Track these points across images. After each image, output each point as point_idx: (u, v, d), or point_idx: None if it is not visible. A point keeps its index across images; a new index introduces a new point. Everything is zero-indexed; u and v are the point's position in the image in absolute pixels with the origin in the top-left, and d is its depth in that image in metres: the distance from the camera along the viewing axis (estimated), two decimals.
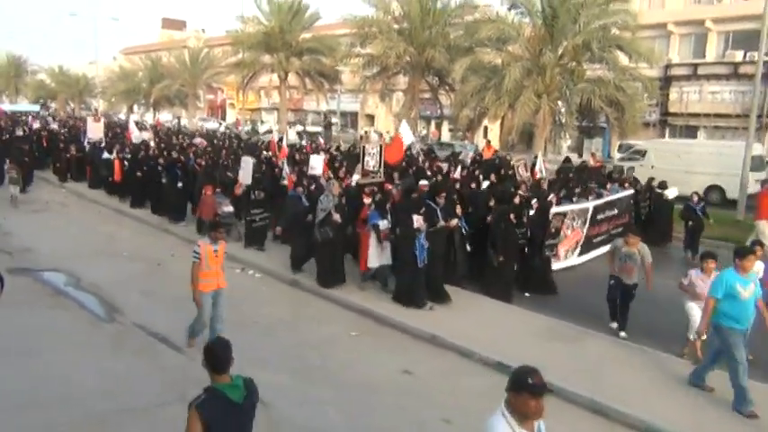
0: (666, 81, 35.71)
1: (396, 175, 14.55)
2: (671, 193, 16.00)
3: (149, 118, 52.40)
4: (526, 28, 22.24)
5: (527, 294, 11.29)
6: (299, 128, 49.56)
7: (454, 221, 10.64)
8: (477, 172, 16.79)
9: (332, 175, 14.36)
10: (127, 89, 51.21)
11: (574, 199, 13.63)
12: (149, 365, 7.79)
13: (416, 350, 8.76)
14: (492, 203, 11.70)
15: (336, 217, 10.62)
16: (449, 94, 29.05)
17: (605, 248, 14.05)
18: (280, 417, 6.82)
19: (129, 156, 19.40)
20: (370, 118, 53.32)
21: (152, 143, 23.52)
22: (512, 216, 10.86)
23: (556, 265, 12.38)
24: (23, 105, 60.31)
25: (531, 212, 11.82)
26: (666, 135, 35.81)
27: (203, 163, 17.17)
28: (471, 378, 7.90)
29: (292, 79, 37.52)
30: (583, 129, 26.12)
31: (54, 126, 33.70)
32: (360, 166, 13.85)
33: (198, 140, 26.51)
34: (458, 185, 13.65)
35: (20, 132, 25.89)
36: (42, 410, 6.62)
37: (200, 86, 48.49)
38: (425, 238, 9.93)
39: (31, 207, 18.08)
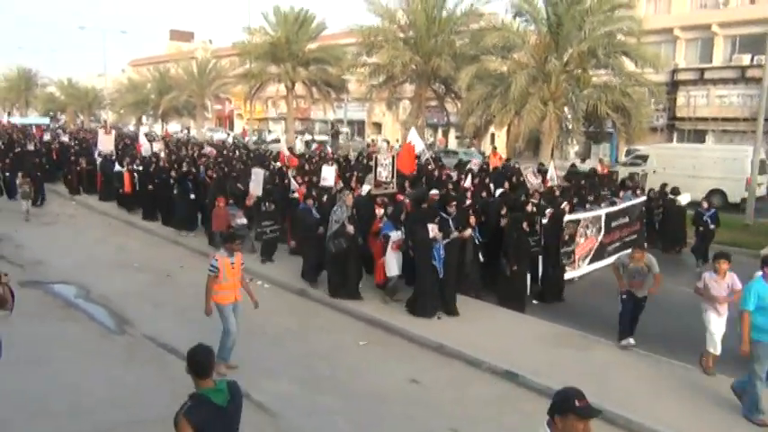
0: (674, 86, 35.62)
1: (407, 184, 14.54)
2: (683, 199, 15.93)
3: (158, 129, 52.79)
4: (531, 35, 22.29)
5: (535, 302, 11.27)
6: (308, 137, 49.81)
7: (468, 232, 10.57)
8: (487, 180, 16.79)
9: (343, 186, 14.40)
10: (135, 101, 51.67)
11: (587, 206, 13.55)
12: (159, 376, 7.85)
13: (424, 359, 8.78)
14: (504, 212, 11.61)
15: (350, 228, 10.59)
16: (455, 101, 29.11)
17: (614, 257, 14.05)
18: (288, 426, 6.88)
19: (141, 168, 19.48)
20: (378, 126, 53.48)
21: (162, 154, 23.71)
22: (524, 225, 10.80)
23: (571, 274, 12.28)
24: (33, 118, 60.86)
25: (545, 221, 11.74)
26: (674, 140, 35.69)
27: (214, 175, 17.22)
28: (479, 387, 7.92)
29: (299, 89, 37.75)
30: (590, 134, 26.08)
31: (65, 138, 34.01)
32: (371, 176, 13.86)
33: (208, 150, 26.67)
34: (469, 195, 13.62)
35: (31, 146, 26.08)
36: (52, 420, 6.71)
37: (207, 97, 48.82)
38: (443, 248, 9.89)
39: (41, 220, 18.27)
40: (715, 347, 8.10)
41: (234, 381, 4.26)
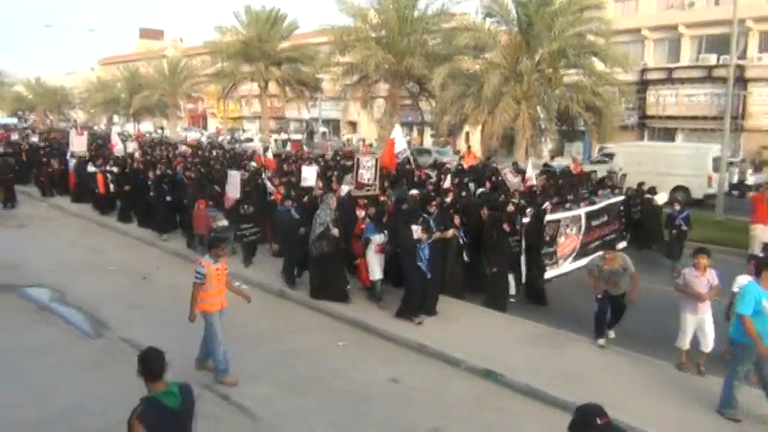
0: (643, 85, 36.28)
1: (386, 185, 14.52)
2: (660, 198, 16.08)
3: (130, 128, 52.10)
4: (503, 36, 22.52)
5: (512, 300, 11.26)
6: (284, 136, 49.61)
7: (450, 232, 10.49)
8: (466, 180, 16.89)
9: (323, 187, 14.28)
10: (106, 100, 50.93)
11: (567, 206, 13.51)
12: (136, 381, 7.73)
13: (404, 359, 8.84)
14: (485, 212, 11.58)
15: (334, 231, 10.53)
16: (429, 100, 29.26)
17: (587, 259, 14.22)
18: (268, 428, 6.91)
19: (115, 169, 19.17)
20: (353, 125, 53.45)
21: (137, 154, 23.40)
22: (505, 225, 10.81)
23: (551, 273, 12.22)
24: (2, 119, 59.51)
25: (525, 220, 11.71)
26: (645, 138, 36.36)
27: (192, 176, 16.92)
28: (459, 386, 8.01)
29: (273, 88, 37.57)
30: (563, 133, 26.47)
31: (34, 139, 33.35)
32: (350, 176, 13.81)
33: (183, 149, 26.41)
34: (450, 195, 13.62)
35: (0, 149, 25.50)
36: (29, 429, 6.63)
37: (180, 96, 48.33)
38: (428, 248, 9.85)
39: (13, 222, 17.93)
40: (684, 343, 8.24)
41: (186, 383, 4.38)
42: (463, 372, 8.40)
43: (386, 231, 10.50)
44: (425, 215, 10.36)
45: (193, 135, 50.74)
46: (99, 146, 28.87)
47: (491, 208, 11.72)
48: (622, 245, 14.89)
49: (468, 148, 29.35)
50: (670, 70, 36.10)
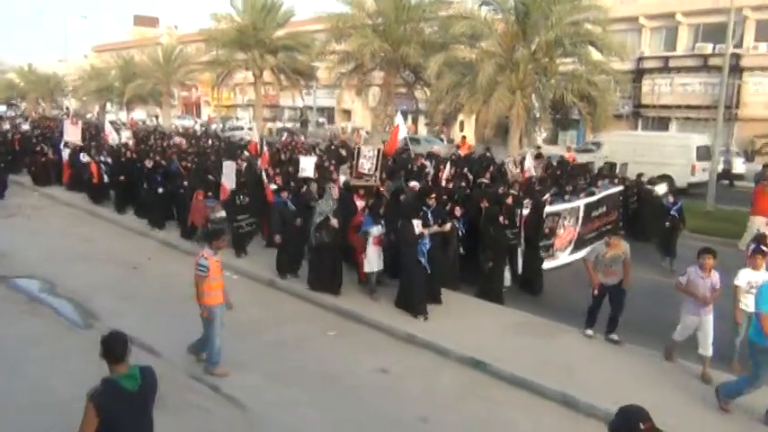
0: (639, 74, 36.23)
1: (383, 176, 14.33)
2: (660, 189, 15.79)
3: (123, 117, 51.81)
4: (499, 24, 22.37)
5: (505, 287, 11.18)
6: (279, 125, 49.55)
7: (447, 225, 10.30)
8: (465, 170, 16.84)
9: (319, 177, 14.12)
10: (99, 88, 50.50)
11: (566, 197, 13.49)
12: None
13: (393, 349, 8.87)
14: (484, 204, 11.45)
15: (334, 222, 10.40)
16: (424, 89, 29.14)
17: (588, 249, 14.18)
18: (258, 419, 6.92)
19: (110, 159, 18.98)
20: (347, 113, 53.31)
21: (131, 143, 23.25)
22: (501, 218, 10.69)
23: (548, 264, 12.24)
24: None
25: (525, 211, 11.66)
26: (639, 127, 36.36)
27: (189, 165, 16.65)
28: (447, 376, 8.04)
29: (267, 76, 37.35)
30: (557, 122, 26.45)
31: (26, 127, 33.11)
32: (346, 166, 13.71)
33: (177, 140, 26.22)
34: (450, 186, 13.42)
35: None
36: (17, 416, 6.62)
37: (174, 84, 48.02)
38: (428, 242, 9.74)
39: (3, 212, 17.82)
40: (681, 336, 8.06)
41: (148, 366, 4.47)
42: (452, 362, 8.43)
43: (383, 223, 10.36)
44: (424, 208, 10.26)
45: (186, 123, 50.56)
46: (92, 135, 28.64)
47: (490, 201, 11.57)
48: (605, 240, 14.95)
49: (464, 137, 29.31)
50: (666, 59, 36.05)
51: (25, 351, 8.40)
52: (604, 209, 14.75)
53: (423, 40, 26.89)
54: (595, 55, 21.89)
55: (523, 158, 16.59)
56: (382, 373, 8.07)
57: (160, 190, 15.40)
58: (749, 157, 31.39)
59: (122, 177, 17.37)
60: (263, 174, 14.44)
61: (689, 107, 34.67)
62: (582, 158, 24.01)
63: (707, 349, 7.82)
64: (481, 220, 11.10)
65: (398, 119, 19.34)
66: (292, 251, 11.66)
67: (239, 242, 13.03)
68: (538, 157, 20.03)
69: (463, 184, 14.51)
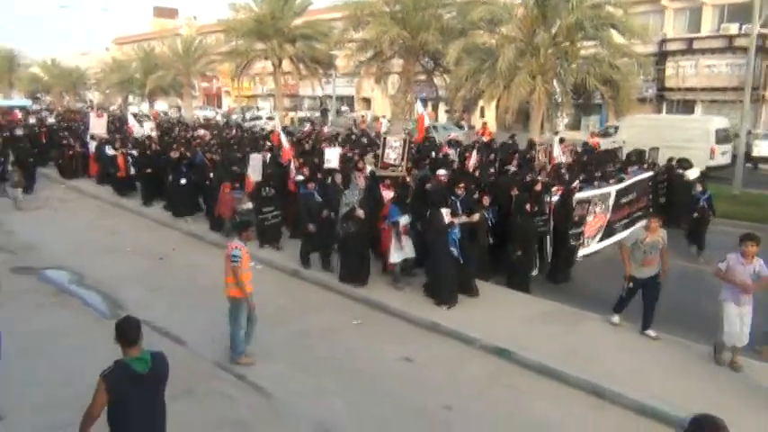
0: (662, 56, 35.59)
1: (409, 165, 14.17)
2: (692, 173, 15.34)
3: (145, 108, 52.27)
4: (518, 8, 22.10)
5: (533, 274, 11.12)
6: (301, 114, 49.66)
7: (476, 216, 10.03)
8: (492, 157, 16.69)
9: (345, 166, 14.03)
10: (121, 80, 50.93)
11: (595, 183, 13.22)
12: None
13: (418, 338, 8.89)
14: (514, 192, 11.28)
15: (360, 212, 10.33)
16: (444, 76, 28.94)
17: (626, 233, 14.01)
18: (283, 407, 7.00)
19: (135, 152, 19.07)
20: (367, 101, 53.22)
21: (154, 134, 23.41)
22: (528, 207, 10.53)
23: (578, 253, 12.05)
24: (16, 100, 59.83)
25: (554, 199, 11.49)
26: (664, 110, 35.81)
27: (214, 157, 16.61)
28: (472, 364, 8.06)
29: (286, 65, 37.37)
30: (579, 106, 26.19)
31: (51, 120, 33.52)
32: (371, 155, 13.62)
33: (202, 132, 26.32)
34: (477, 173, 13.22)
35: (19, 131, 25.64)
36: (62, 406, 6.76)
37: (194, 75, 48.27)
38: (458, 231, 9.61)
39: (31, 204, 18.10)
40: (730, 340, 7.54)
41: (160, 352, 4.67)
42: (476, 350, 8.43)
43: (409, 213, 10.26)
44: (452, 197, 10.15)
45: (208, 114, 50.88)
46: (116, 127, 28.87)
47: (520, 188, 11.40)
48: (644, 223, 14.70)
49: (485, 124, 29.10)
50: (690, 41, 35.33)
51: (55, 341, 8.58)
52: (634, 195, 14.49)
53: (441, 27, 26.64)
54: (617, 38, 21.53)
55: (551, 146, 16.30)
56: (407, 361, 8.11)
57: (183, 181, 15.45)
58: None
59: (149, 170, 17.46)
60: (291, 164, 14.28)
61: (714, 89, 34.00)
62: (601, 143, 23.75)
63: (742, 340, 7.56)
64: (512, 209, 10.91)
65: (419, 107, 19.45)
66: (317, 242, 11.63)
67: (264, 234, 12.98)
68: (560, 142, 19.78)
69: (491, 171, 14.30)
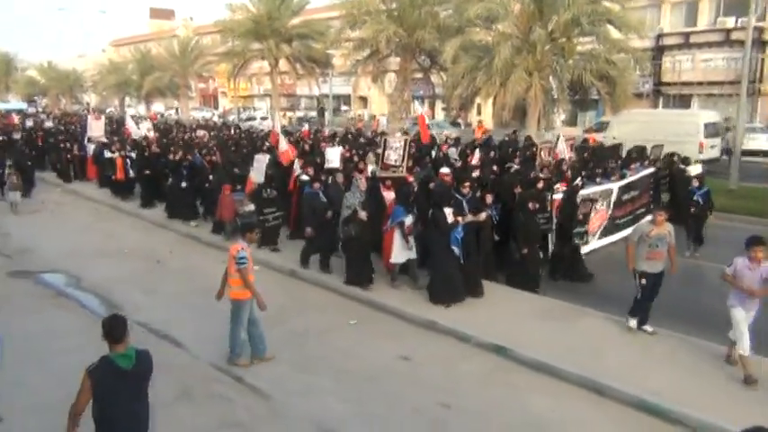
0: (659, 51, 35.66)
1: (410, 164, 14.01)
2: (694, 169, 15.13)
3: (142, 110, 52.26)
4: (515, 5, 22.09)
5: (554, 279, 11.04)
6: (299, 114, 49.74)
7: (483, 215, 9.95)
8: (492, 154, 16.61)
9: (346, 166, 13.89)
10: (118, 82, 51.01)
11: (597, 180, 13.14)
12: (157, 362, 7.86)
13: (415, 336, 8.88)
14: (517, 190, 11.18)
15: (362, 214, 10.24)
16: (440, 74, 28.95)
17: (630, 230, 13.92)
18: (281, 407, 6.99)
19: (133, 154, 18.93)
20: (363, 100, 53.23)
21: (151, 134, 23.33)
22: (531, 205, 10.39)
23: (582, 250, 11.91)
24: (13, 104, 59.72)
25: (556, 196, 11.38)
26: (660, 105, 35.84)
27: (213, 159, 16.46)
28: (469, 362, 8.04)
29: (283, 65, 37.35)
30: (576, 102, 26.18)
31: (49, 124, 33.49)
32: (373, 156, 13.55)
33: (201, 133, 26.25)
34: (479, 172, 13.11)
35: (16, 135, 25.58)
36: (49, 413, 6.74)
37: (191, 76, 48.28)
38: (461, 230, 9.50)
39: (28, 208, 18.07)
40: (746, 349, 7.18)
41: (145, 350, 4.82)
42: (474, 348, 8.42)
43: (414, 212, 10.19)
44: (459, 196, 10.06)
45: (205, 114, 50.88)
46: (113, 129, 28.78)
47: (523, 186, 11.29)
48: (648, 218, 14.65)
49: (480, 121, 29.10)
50: (687, 35, 35.40)
51: (52, 344, 8.56)
52: (637, 192, 14.44)
53: (438, 24, 26.64)
54: (614, 33, 21.53)
55: (555, 144, 16.14)
56: (404, 360, 8.10)
57: (183, 184, 15.30)
58: None
59: (147, 172, 17.35)
60: (295, 164, 14.11)
61: (711, 83, 34.05)
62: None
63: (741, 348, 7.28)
64: (515, 207, 10.81)
65: (419, 107, 19.51)
66: (321, 243, 11.49)
67: (263, 235, 12.61)
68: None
69: (494, 168, 14.22)
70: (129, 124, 25.55)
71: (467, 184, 10.34)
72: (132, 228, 15.95)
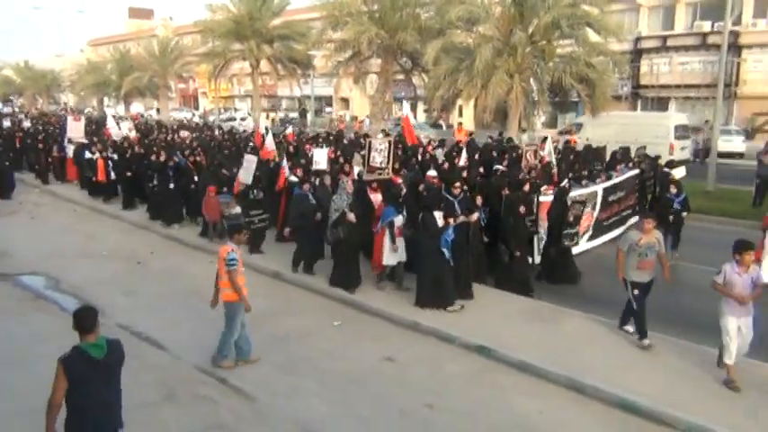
0: (637, 54, 36.12)
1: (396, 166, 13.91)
2: (678, 173, 15.10)
3: (121, 110, 51.69)
4: (496, 8, 22.24)
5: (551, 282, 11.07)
6: (282, 115, 49.55)
7: (475, 215, 9.93)
8: (477, 156, 16.63)
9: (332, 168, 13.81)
10: (96, 82, 50.30)
11: (583, 182, 13.17)
12: (134, 366, 7.74)
13: (399, 337, 8.90)
14: (505, 192, 11.13)
15: (351, 216, 10.10)
16: (422, 75, 29.03)
17: (617, 231, 13.90)
18: (266, 409, 6.98)
19: (115, 156, 18.56)
20: (345, 101, 53.17)
21: (132, 134, 23.05)
22: (521, 208, 10.38)
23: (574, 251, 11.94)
24: None
25: (543, 199, 11.38)
26: (639, 107, 36.29)
27: (196, 159, 16.20)
28: (453, 363, 8.08)
29: (264, 66, 37.20)
30: (556, 105, 26.41)
31: (27, 124, 32.98)
32: (360, 158, 13.50)
33: (185, 134, 26.00)
34: (464, 173, 12.93)
35: None
36: (37, 415, 6.66)
37: (171, 76, 47.85)
38: (451, 233, 9.41)
39: (4, 209, 17.83)
40: (731, 357, 7.13)
41: (116, 339, 4.99)
42: (457, 348, 8.47)
43: (404, 213, 10.15)
44: (450, 198, 10.00)
45: (185, 115, 50.49)
46: (93, 130, 28.37)
47: (512, 188, 11.24)
48: (634, 219, 14.80)
49: (460, 123, 29.22)
50: (664, 38, 35.93)
51: (32, 348, 8.45)
52: (623, 193, 14.56)
53: (419, 26, 26.72)
54: (593, 36, 21.76)
55: (540, 147, 16.17)
56: (388, 361, 8.12)
57: (171, 185, 15.09)
58: (749, 134, 31.32)
59: (129, 173, 17.11)
60: (284, 163, 13.97)
61: (688, 86, 34.58)
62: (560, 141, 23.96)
63: (742, 350, 7.25)
64: (503, 210, 10.81)
65: (406, 108, 19.59)
66: (312, 247, 11.38)
67: (253, 239, 12.51)
68: (543, 140, 19.87)
69: (481, 170, 14.18)
70: (110, 125, 25.18)
71: (457, 184, 10.24)
72: (112, 229, 15.76)
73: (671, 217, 12.48)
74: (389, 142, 12.41)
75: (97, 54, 60.16)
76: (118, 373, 4.89)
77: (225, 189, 13.27)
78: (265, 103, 50.64)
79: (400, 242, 10.13)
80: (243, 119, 44.39)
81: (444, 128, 36.01)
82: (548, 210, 11.49)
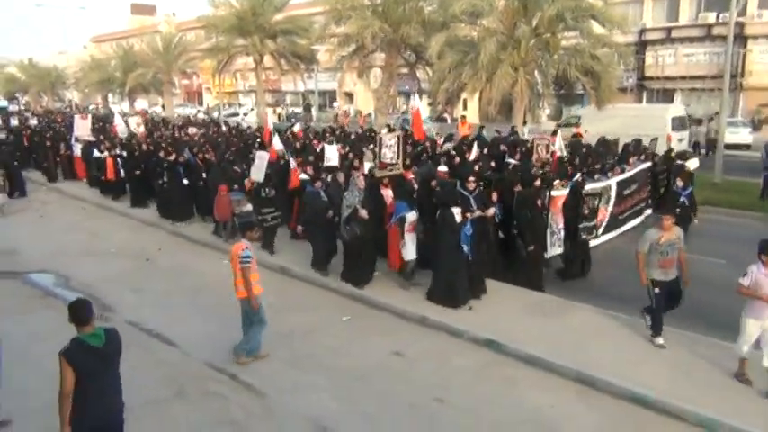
0: (642, 46, 35.94)
1: (408, 161, 13.71)
2: (692, 164, 14.94)
3: (126, 107, 51.73)
4: (499, 1, 22.16)
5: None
6: (287, 110, 49.44)
7: (491, 210, 9.78)
8: (485, 151, 16.52)
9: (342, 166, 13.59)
10: (100, 79, 50.31)
11: (596, 177, 12.98)
12: (144, 362, 7.84)
13: (407, 332, 8.92)
14: (518, 188, 10.94)
15: (363, 212, 10.03)
16: (426, 69, 28.98)
17: (631, 224, 13.94)
18: (275, 405, 7.01)
19: (124, 153, 18.41)
20: (349, 96, 53.11)
21: (141, 129, 23.01)
22: (539, 202, 10.28)
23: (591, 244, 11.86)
24: None
25: (555, 193, 11.08)
26: (644, 99, 36.14)
27: (207, 156, 15.98)
28: (461, 357, 8.10)
29: (268, 61, 37.19)
30: (562, 98, 26.34)
31: (34, 122, 33.01)
32: (371, 154, 13.43)
33: (193, 131, 25.94)
34: (477, 168, 13.00)
35: (2, 135, 25.19)
36: (45, 413, 6.71)
37: (174, 73, 47.83)
38: (470, 227, 9.35)
39: (13, 207, 17.91)
40: (743, 350, 7.09)
41: (113, 328, 5.14)
42: (466, 342, 8.48)
43: (416, 208, 10.09)
44: (465, 193, 9.89)
45: (190, 111, 50.51)
46: (100, 128, 28.31)
47: (525, 183, 11.01)
48: (648, 212, 14.74)
49: (463, 117, 29.15)
50: (669, 30, 35.71)
51: (41, 345, 8.46)
52: (636, 186, 14.48)
53: (423, 20, 26.67)
54: (597, 28, 21.67)
55: (551, 140, 16.02)
56: (397, 356, 8.14)
57: (185, 182, 15.04)
58: (756, 126, 31.18)
59: (138, 171, 17.03)
60: (292, 162, 13.67)
61: (693, 78, 34.41)
62: (566, 134, 23.79)
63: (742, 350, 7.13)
64: (515, 205, 10.66)
65: (416, 101, 19.41)
66: (327, 244, 11.30)
67: (265, 237, 12.44)
68: (554, 134, 19.78)
69: (492, 164, 14.05)
70: (117, 122, 25.10)
71: (471, 179, 10.05)
72: (121, 226, 15.81)
73: (678, 210, 11.96)
74: (398, 137, 12.31)
75: (100, 51, 60.07)
76: (117, 361, 5.04)
77: (236, 186, 13.11)
78: (269, 98, 50.61)
79: (412, 238, 10.01)
80: (245, 114, 44.35)
81: (449, 121, 35.88)
82: (563, 203, 11.26)
